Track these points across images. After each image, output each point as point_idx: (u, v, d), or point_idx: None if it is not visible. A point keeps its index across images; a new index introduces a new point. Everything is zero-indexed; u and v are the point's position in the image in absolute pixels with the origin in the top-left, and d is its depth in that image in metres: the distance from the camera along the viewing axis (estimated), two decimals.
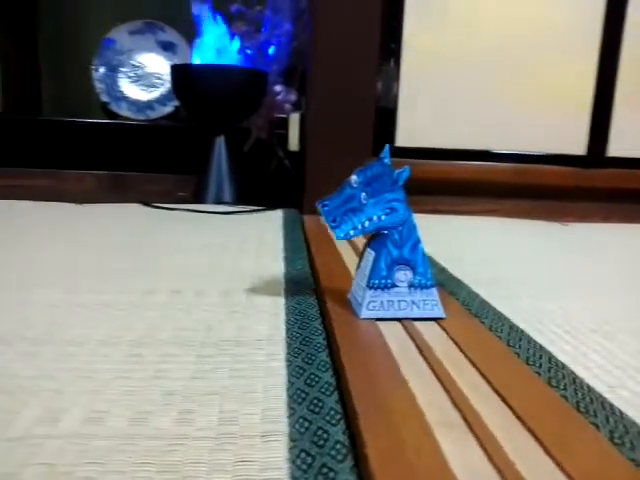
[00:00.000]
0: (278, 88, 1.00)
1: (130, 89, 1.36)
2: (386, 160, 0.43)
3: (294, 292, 0.47)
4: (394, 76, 0.89)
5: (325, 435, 0.25)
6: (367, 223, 0.42)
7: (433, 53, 0.89)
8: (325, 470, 0.23)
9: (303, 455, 0.24)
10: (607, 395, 0.30)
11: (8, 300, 0.42)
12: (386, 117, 0.90)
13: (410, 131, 0.91)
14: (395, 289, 0.41)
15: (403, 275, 0.42)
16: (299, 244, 0.66)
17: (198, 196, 0.95)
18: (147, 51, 1.36)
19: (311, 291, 0.48)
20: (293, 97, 1.00)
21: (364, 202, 0.42)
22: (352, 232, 0.42)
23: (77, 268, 0.51)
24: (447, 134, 0.93)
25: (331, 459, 0.23)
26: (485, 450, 0.24)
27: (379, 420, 0.26)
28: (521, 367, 0.33)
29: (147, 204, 0.88)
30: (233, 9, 1.03)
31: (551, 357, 0.35)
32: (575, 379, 0.32)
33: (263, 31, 0.99)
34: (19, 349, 0.33)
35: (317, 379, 0.31)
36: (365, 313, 0.41)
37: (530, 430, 0.26)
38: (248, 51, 1.01)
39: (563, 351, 0.37)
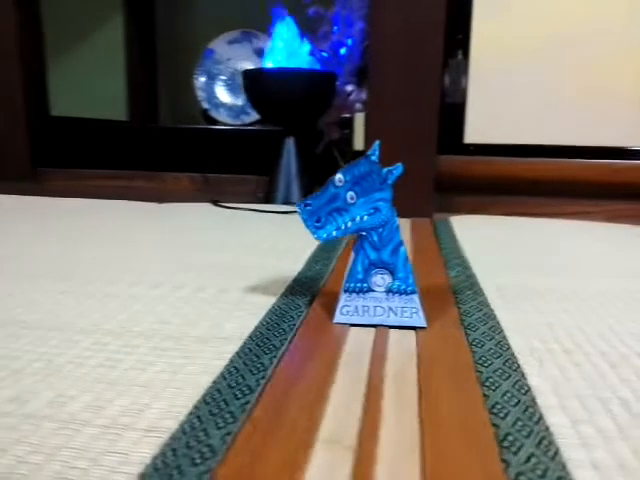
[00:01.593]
0: (349, 88, 0.99)
1: (227, 96, 1.45)
2: (373, 157, 0.41)
3: (293, 293, 0.47)
4: (462, 69, 0.83)
5: (204, 437, 0.25)
6: (350, 224, 0.40)
7: (506, 43, 0.82)
8: (175, 473, 0.22)
9: (169, 454, 0.24)
10: (561, 431, 0.26)
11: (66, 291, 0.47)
12: (454, 112, 0.85)
13: (482, 126, 0.85)
14: (371, 294, 0.39)
15: (381, 279, 0.39)
16: (334, 245, 0.66)
17: (268, 196, 0.98)
18: (244, 59, 1.43)
19: (310, 293, 0.47)
20: (364, 96, 0.99)
21: (351, 202, 0.41)
22: (335, 233, 0.41)
23: (122, 263, 0.56)
24: (525, 128, 0.85)
25: (189, 462, 0.23)
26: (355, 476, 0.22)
27: (262, 429, 0.25)
28: (470, 392, 0.30)
29: (216, 203, 0.93)
30: (311, 11, 1.05)
31: (517, 381, 0.31)
32: (526, 409, 0.28)
33: (335, 31, 0.99)
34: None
35: (242, 381, 0.30)
36: (338, 318, 0.39)
37: (424, 459, 0.23)
38: (324, 54, 1.01)
39: (539, 376, 0.32)
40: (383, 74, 0.84)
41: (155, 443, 0.25)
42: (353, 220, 0.40)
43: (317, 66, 0.99)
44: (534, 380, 0.31)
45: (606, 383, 0.31)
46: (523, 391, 0.29)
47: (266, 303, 0.44)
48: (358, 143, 0.91)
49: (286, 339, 0.37)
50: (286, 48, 0.96)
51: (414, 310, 0.39)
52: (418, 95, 0.83)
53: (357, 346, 0.36)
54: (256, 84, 0.95)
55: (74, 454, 0.24)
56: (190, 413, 0.27)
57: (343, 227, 0.40)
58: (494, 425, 0.26)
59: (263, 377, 0.31)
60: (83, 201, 0.97)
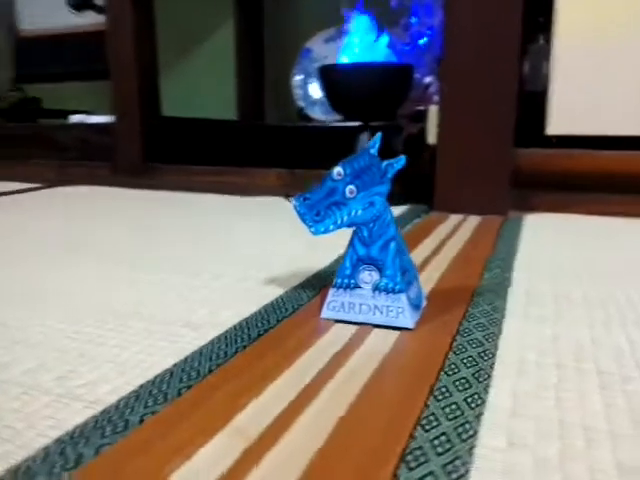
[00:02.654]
0: (428, 79, 0.96)
1: (320, 93, 1.47)
2: (372, 150, 0.40)
3: (305, 286, 0.47)
4: (544, 54, 0.76)
5: (129, 413, 0.26)
6: (345, 218, 0.39)
7: (595, 24, 0.73)
8: (82, 443, 0.24)
9: (76, 434, 0.25)
10: (487, 455, 0.23)
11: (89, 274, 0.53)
12: (534, 102, 0.77)
13: (565, 116, 0.77)
14: (358, 291, 0.38)
15: (368, 276, 0.38)
16: None
17: None
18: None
19: (320, 287, 0.47)
20: None
21: (350, 196, 0.40)
22: (332, 227, 0.40)
23: (175, 251, 0.60)
24: (615, 118, 0.75)
25: (99, 434, 0.25)
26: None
27: (181, 413, 0.26)
28: (412, 399, 0.28)
29: (287, 197, 0.95)
30: (394, 3, 1.03)
31: (473, 394, 0.28)
32: (461, 424, 0.25)
33: (415, 22, 0.96)
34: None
35: (197, 367, 0.31)
36: (325, 313, 0.39)
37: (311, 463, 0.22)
38: (406, 47, 0.99)
39: (507, 391, 0.29)
40: (456, 62, 0.80)
41: (70, 416, 0.26)
42: (349, 214, 0.39)
43: (394, 59, 0.97)
44: (497, 395, 0.28)
45: (582, 408, 0.27)
46: (473, 405, 0.27)
47: (271, 294, 0.45)
48: (432, 137, 0.88)
49: (266, 330, 0.37)
50: (362, 42, 0.95)
51: (400, 310, 0.37)
52: (494, 84, 0.78)
53: (329, 342, 0.35)
54: (330, 80, 0.96)
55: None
56: (134, 391, 0.29)
57: (339, 221, 0.39)
58: (412, 437, 0.24)
59: (218, 365, 0.32)
60: (181, 195, 1.06)
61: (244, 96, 1.91)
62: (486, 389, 0.28)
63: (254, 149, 1.37)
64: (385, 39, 0.94)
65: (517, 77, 0.77)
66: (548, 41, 0.76)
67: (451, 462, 0.22)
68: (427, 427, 0.25)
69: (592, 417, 0.26)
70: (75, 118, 1.60)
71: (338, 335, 0.36)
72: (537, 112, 0.78)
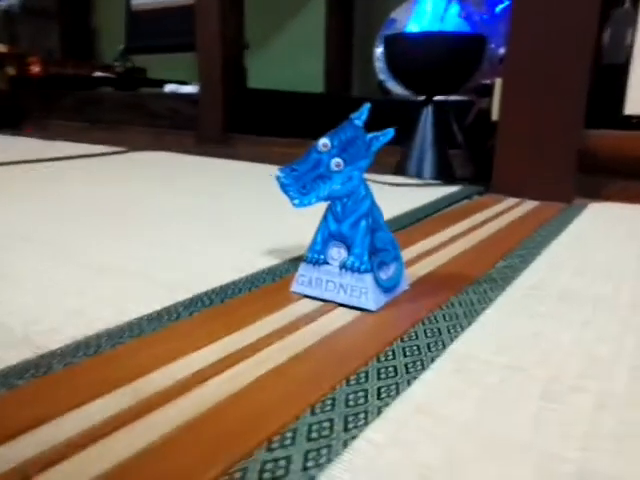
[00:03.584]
0: (502, 51, 0.88)
1: None
2: (357, 121, 0.38)
3: (299, 259, 0.46)
4: (629, 21, 0.66)
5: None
6: (326, 191, 0.38)
7: None
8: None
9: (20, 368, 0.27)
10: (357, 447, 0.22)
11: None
12: (612, 77, 0.68)
13: None
14: (326, 267, 0.37)
15: (337, 253, 0.36)
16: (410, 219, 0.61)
17: (399, 168, 0.95)
18: None
19: None
20: None
21: (336, 169, 0.38)
22: (314, 200, 0.39)
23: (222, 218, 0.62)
24: None
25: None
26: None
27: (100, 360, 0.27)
28: (322, 383, 0.26)
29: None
30: None
31: (392, 385, 0.26)
32: (355, 414, 0.24)
33: None
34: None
35: (143, 324, 0.32)
36: (294, 287, 0.38)
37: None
38: (481, 16, 0.92)
39: (428, 385, 0.26)
40: (523, 29, 0.73)
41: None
42: (330, 188, 0.38)
43: (467, 28, 0.90)
44: (417, 388, 0.26)
45: (504, 415, 0.24)
46: (384, 395, 0.25)
47: (264, 265, 0.45)
48: (495, 113, 0.81)
49: (228, 298, 0.37)
50: (433, 11, 0.90)
51: (364, 291, 0.35)
52: (565, 55, 0.70)
53: (283, 315, 0.34)
54: (394, 50, 0.92)
55: None
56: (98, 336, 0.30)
57: (321, 195, 0.38)
58: (297, 418, 0.23)
59: (159, 326, 0.32)
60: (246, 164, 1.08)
61: (332, 69, 1.90)
62: (410, 381, 0.26)
63: (325, 120, 1.37)
64: (456, 8, 0.88)
65: (593, 47, 0.68)
66: (636, 5, 0.66)
67: (317, 450, 0.21)
68: (317, 411, 0.24)
69: (510, 428, 0.23)
70: (168, 88, 1.70)
71: (296, 310, 0.35)
72: (615, 88, 0.69)
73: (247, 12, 2.12)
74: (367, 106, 0.38)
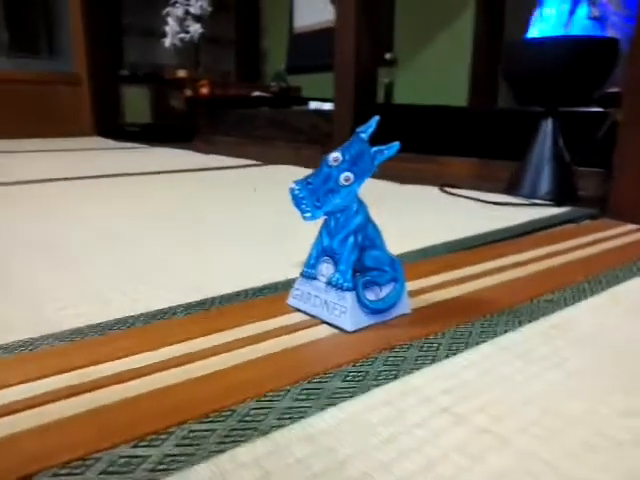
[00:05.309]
0: None
1: None
2: (363, 135, 0.37)
3: None
4: None
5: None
6: (334, 206, 0.38)
7: None
8: None
9: None
10: None
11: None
12: None
13: None
14: (316, 282, 0.36)
15: (325, 268, 0.36)
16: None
17: (511, 186, 0.87)
18: None
19: None
20: None
21: (345, 183, 0.38)
22: (322, 214, 0.39)
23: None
24: None
25: None
26: None
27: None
28: (234, 395, 0.27)
29: (442, 188, 0.89)
30: None
31: (302, 408, 0.25)
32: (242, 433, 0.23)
33: None
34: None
35: (143, 319, 0.36)
36: (290, 300, 0.38)
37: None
38: (617, 17, 0.82)
39: (339, 415, 0.24)
40: None
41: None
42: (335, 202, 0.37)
43: (598, 32, 0.80)
44: (327, 416, 0.24)
45: (418, 455, 0.22)
46: (286, 419, 0.24)
47: (287, 274, 0.45)
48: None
49: (234, 301, 0.39)
50: (557, 14, 0.82)
51: (343, 310, 0.34)
52: None
53: (267, 325, 0.35)
54: (512, 58, 0.85)
55: None
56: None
57: (329, 209, 0.38)
58: (179, 425, 0.24)
59: (172, 315, 0.35)
60: None
61: (478, 80, 1.82)
62: (323, 408, 0.25)
63: (451, 135, 1.32)
64: (584, 9, 0.79)
65: None
66: None
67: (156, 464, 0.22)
68: (218, 416, 0.24)
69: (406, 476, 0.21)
70: (312, 105, 1.79)
71: (281, 321, 0.35)
72: None
73: (397, 28, 2.14)
74: (376, 119, 0.37)
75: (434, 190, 0.89)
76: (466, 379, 0.28)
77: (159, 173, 1.12)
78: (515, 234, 0.60)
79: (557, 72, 0.80)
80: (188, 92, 2.32)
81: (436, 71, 1.94)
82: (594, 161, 0.90)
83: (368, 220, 0.36)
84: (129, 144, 1.94)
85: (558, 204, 0.76)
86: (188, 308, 0.38)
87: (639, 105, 0.65)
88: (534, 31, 0.85)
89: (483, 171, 1.14)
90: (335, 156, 0.38)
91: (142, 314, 0.37)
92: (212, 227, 0.63)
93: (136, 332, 0.34)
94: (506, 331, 0.34)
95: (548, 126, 0.84)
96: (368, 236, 0.35)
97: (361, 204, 0.36)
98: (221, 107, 2.12)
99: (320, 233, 0.37)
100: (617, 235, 0.60)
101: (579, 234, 0.60)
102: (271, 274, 0.45)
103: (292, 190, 0.40)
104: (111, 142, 2.04)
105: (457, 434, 0.23)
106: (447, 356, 0.30)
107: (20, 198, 0.81)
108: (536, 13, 0.84)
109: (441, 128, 1.38)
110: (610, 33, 0.81)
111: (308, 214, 0.39)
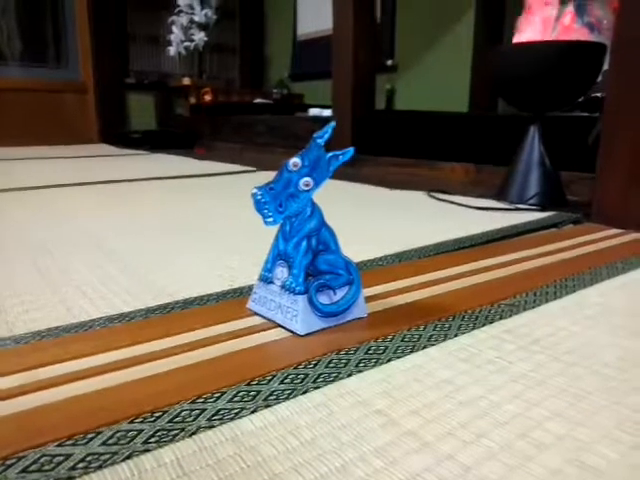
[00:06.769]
0: None
1: None
2: (319, 141, 0.37)
3: None
4: None
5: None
6: (294, 210, 0.38)
7: None
8: None
9: None
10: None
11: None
12: None
13: None
14: (272, 286, 0.36)
15: (280, 272, 0.36)
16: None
17: (501, 191, 0.87)
18: None
19: None
20: None
21: (305, 188, 0.38)
22: (281, 219, 0.39)
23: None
24: None
25: None
26: None
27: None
28: (162, 397, 0.27)
29: (429, 193, 0.89)
30: None
31: (233, 410, 0.25)
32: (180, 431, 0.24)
33: None
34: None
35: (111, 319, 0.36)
36: (249, 304, 0.38)
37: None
38: (607, 22, 0.82)
39: (259, 421, 0.25)
40: (630, 37, 0.62)
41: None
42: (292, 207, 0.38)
43: (588, 37, 0.80)
44: (257, 417, 0.25)
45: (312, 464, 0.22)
46: (216, 421, 0.25)
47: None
48: None
49: (195, 305, 0.39)
50: (544, 20, 0.82)
51: (295, 313, 0.34)
52: None
53: (218, 329, 0.35)
54: (498, 62, 0.85)
55: None
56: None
57: (289, 213, 0.38)
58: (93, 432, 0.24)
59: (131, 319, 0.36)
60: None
61: (477, 87, 1.82)
62: (256, 410, 0.25)
63: (441, 140, 1.32)
64: (569, 16, 0.79)
65: None
66: None
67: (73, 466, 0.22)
68: (144, 417, 0.24)
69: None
70: (311, 112, 1.80)
71: (235, 325, 0.36)
72: None
73: (399, 34, 2.15)
74: (332, 125, 0.37)
75: (422, 195, 0.89)
76: (405, 382, 0.28)
77: (150, 179, 1.13)
78: (492, 239, 0.60)
79: (543, 77, 0.80)
80: (192, 99, 2.34)
81: (438, 77, 1.95)
82: (584, 165, 0.89)
83: (322, 224, 0.36)
84: (131, 151, 1.96)
85: (544, 209, 0.76)
86: (149, 312, 0.38)
87: (620, 111, 0.64)
88: (521, 36, 0.85)
89: (478, 176, 1.14)
90: (294, 161, 0.38)
91: (101, 318, 0.37)
92: (190, 232, 0.63)
93: (92, 335, 0.34)
94: (457, 335, 0.34)
95: (535, 131, 0.84)
96: (322, 240, 0.36)
97: (315, 208, 0.36)
98: (223, 114, 2.14)
99: (276, 237, 0.37)
100: (597, 239, 0.60)
101: (558, 239, 0.60)
102: (236, 279, 0.46)
103: (255, 195, 0.40)
104: (114, 149, 2.06)
105: (383, 437, 0.23)
106: (390, 359, 0.30)
107: (10, 204, 0.82)
108: (523, 18, 0.85)
109: (439, 134, 1.38)
110: (596, 38, 0.80)
111: (270, 219, 0.39)
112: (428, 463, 0.21)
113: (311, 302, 0.34)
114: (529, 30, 0.84)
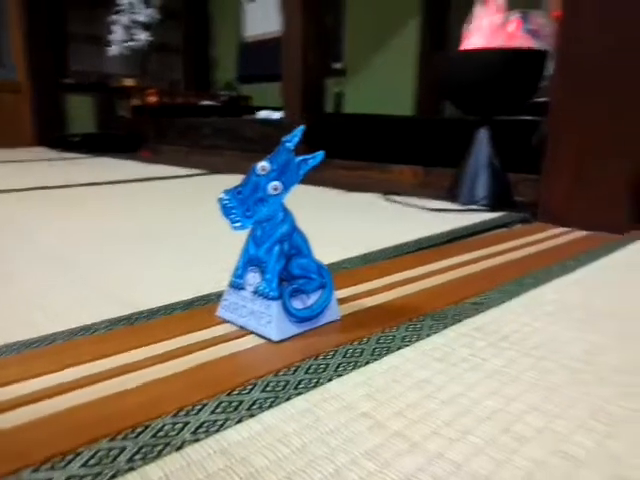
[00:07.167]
0: None
1: None
2: (289, 144, 0.37)
3: None
4: None
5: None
6: (263, 215, 0.38)
7: None
8: None
9: None
10: None
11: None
12: None
13: None
14: (243, 292, 0.36)
15: (252, 278, 0.36)
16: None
17: (450, 193, 0.90)
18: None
19: None
20: None
21: (274, 192, 0.38)
22: (251, 224, 0.39)
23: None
24: None
25: None
26: None
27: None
28: (152, 409, 0.26)
29: (385, 195, 0.91)
30: None
31: (223, 421, 0.25)
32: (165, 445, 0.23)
33: None
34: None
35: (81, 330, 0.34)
36: (219, 311, 0.38)
37: None
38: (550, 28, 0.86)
39: (243, 431, 0.24)
40: (574, 51, 0.66)
41: None
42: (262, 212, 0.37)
43: (532, 44, 0.84)
44: (241, 429, 0.24)
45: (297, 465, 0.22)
46: (202, 430, 0.24)
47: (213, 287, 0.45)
48: None
49: (161, 315, 0.38)
50: (490, 26, 0.85)
51: (268, 319, 0.33)
52: (627, 73, 0.62)
53: (189, 338, 0.34)
54: (446, 68, 0.88)
55: None
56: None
57: (258, 218, 0.38)
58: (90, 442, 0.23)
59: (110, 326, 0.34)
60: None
61: (423, 91, 1.87)
62: (241, 419, 0.25)
63: (390, 143, 1.35)
64: (513, 23, 0.82)
65: None
66: None
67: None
68: (121, 436, 0.23)
69: None
70: (261, 114, 1.79)
71: (207, 334, 0.35)
72: None
73: (348, 38, 2.17)
74: (300, 129, 0.37)
75: (379, 198, 0.91)
76: (385, 384, 0.28)
77: (99, 184, 1.09)
78: (449, 239, 0.62)
79: (490, 83, 0.83)
80: (135, 101, 2.27)
81: (384, 81, 1.98)
82: (530, 167, 0.94)
83: (294, 228, 0.36)
84: (71, 154, 1.88)
85: (493, 209, 0.79)
86: (112, 324, 0.37)
87: (564, 116, 0.68)
88: (467, 43, 0.88)
89: (427, 178, 1.17)
90: (263, 165, 0.38)
91: (63, 331, 0.35)
92: (146, 239, 0.61)
93: (54, 350, 0.32)
94: (429, 335, 0.35)
95: (483, 134, 0.87)
96: (294, 244, 0.35)
97: (287, 213, 0.36)
98: (168, 116, 2.09)
99: (247, 242, 0.37)
100: (545, 238, 0.63)
101: (509, 238, 0.63)
102: (203, 286, 0.45)
103: (221, 200, 0.40)
104: (52, 153, 1.97)
105: (372, 440, 0.23)
106: (368, 362, 0.31)
107: None
108: (470, 25, 0.87)
109: (389, 137, 1.40)
110: (539, 45, 0.84)
111: (238, 224, 0.39)
112: (420, 463, 0.22)
113: (285, 307, 0.34)
114: (476, 36, 0.87)
